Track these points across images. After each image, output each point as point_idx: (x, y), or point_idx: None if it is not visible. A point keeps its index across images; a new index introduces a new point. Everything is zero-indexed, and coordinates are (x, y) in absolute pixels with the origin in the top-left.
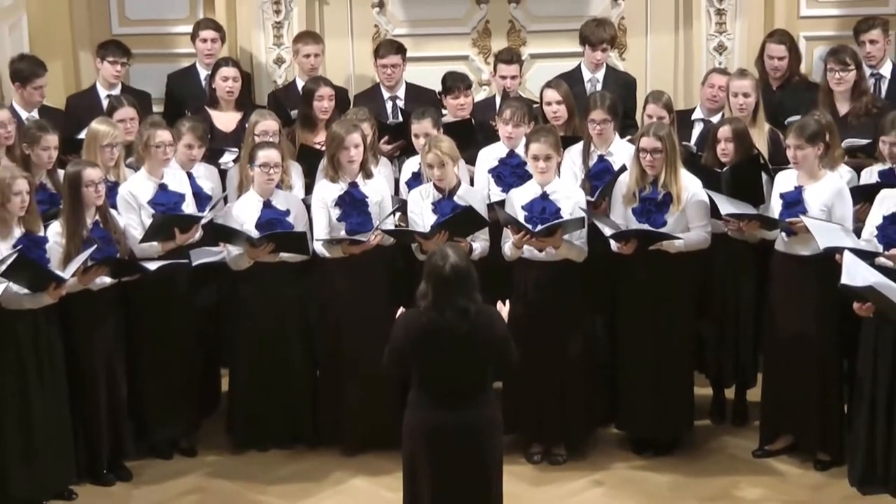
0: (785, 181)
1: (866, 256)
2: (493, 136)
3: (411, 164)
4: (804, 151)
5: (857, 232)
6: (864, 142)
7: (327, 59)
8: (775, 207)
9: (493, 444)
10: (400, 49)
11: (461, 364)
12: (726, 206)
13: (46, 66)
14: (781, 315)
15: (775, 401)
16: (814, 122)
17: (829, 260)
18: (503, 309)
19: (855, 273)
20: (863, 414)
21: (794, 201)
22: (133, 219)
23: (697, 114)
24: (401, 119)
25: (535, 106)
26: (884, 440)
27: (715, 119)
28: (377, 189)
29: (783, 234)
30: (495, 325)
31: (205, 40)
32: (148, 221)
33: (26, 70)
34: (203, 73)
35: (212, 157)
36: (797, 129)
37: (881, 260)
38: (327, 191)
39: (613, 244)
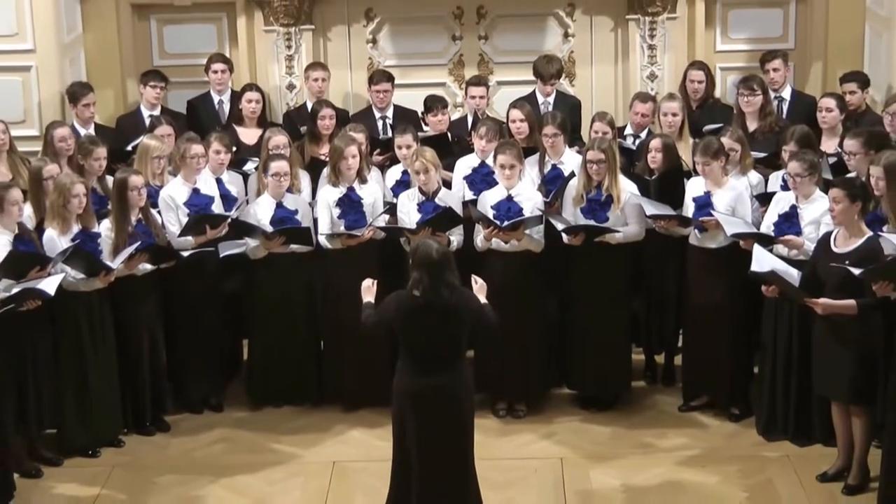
0: (695, 187)
1: (766, 241)
2: (466, 149)
3: (394, 173)
4: (710, 166)
5: (757, 226)
6: (762, 155)
7: (330, 85)
8: (689, 209)
9: (466, 402)
10: (390, 77)
11: (443, 336)
12: (650, 207)
13: (93, 87)
14: (696, 296)
15: (693, 365)
16: (716, 141)
17: (731, 252)
18: (476, 285)
19: (762, 261)
20: (766, 376)
21: (703, 204)
22: (171, 217)
23: (628, 130)
24: (390, 135)
25: (504, 126)
26: (783, 397)
27: (643, 135)
28: (371, 192)
29: (696, 230)
30: (472, 298)
31: (216, 71)
32: (184, 220)
33: (77, 92)
34: (216, 98)
35: (237, 166)
36: (703, 148)
37: (779, 248)
38: (329, 193)
39: (565, 237)
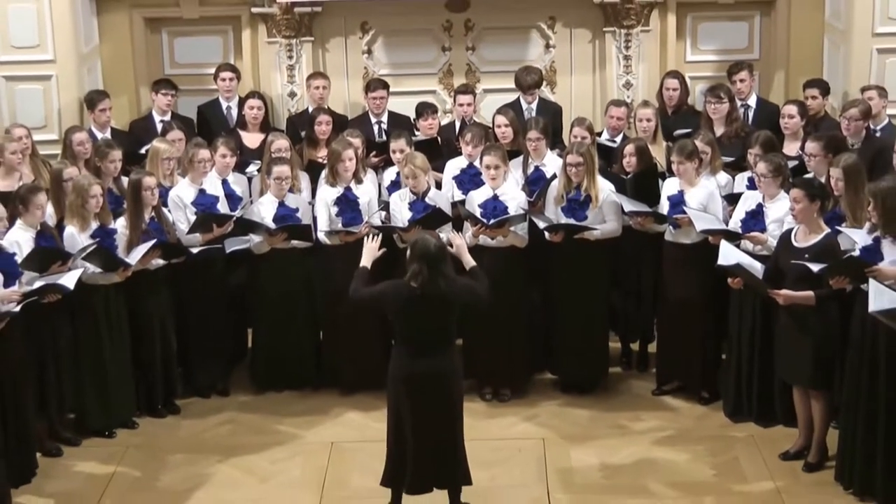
0: (670, 187)
1: (733, 237)
2: (455, 152)
3: (390, 174)
4: (685, 166)
5: (726, 223)
6: (730, 159)
7: (329, 93)
8: (664, 207)
9: (456, 386)
10: (385, 86)
11: (436, 324)
12: (628, 205)
13: (109, 94)
14: (670, 288)
15: (666, 352)
16: (690, 144)
17: (703, 247)
18: (457, 242)
19: (728, 255)
20: (732, 363)
21: (677, 202)
22: (180, 216)
23: (605, 135)
24: (385, 138)
25: (490, 131)
26: (748, 382)
27: (618, 139)
28: (366, 192)
29: (671, 227)
30: (461, 280)
31: (224, 79)
32: (191, 218)
33: (95, 98)
34: (224, 104)
35: (241, 168)
36: (678, 150)
37: (745, 244)
38: (328, 193)
39: (547, 234)
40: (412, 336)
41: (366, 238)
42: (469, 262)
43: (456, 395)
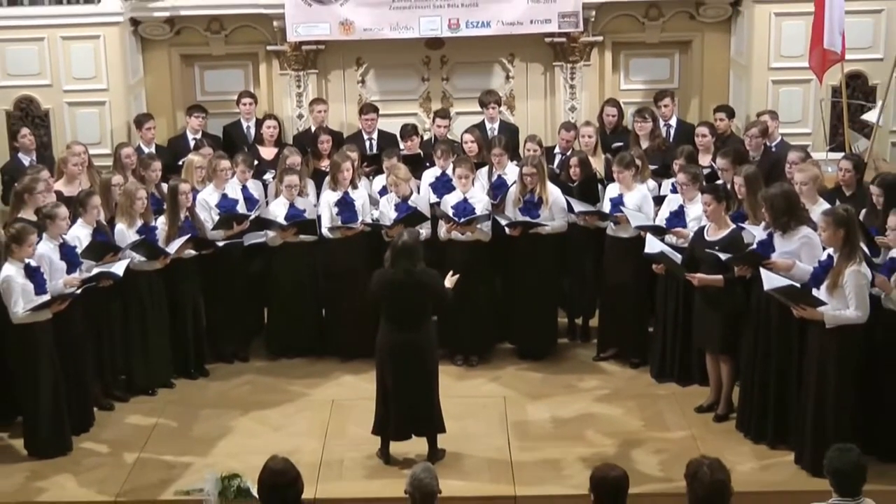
0: (611, 191)
1: (659, 232)
2: (432, 164)
3: (380, 181)
4: (623, 174)
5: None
6: (654, 167)
7: (329, 115)
8: (606, 207)
9: (432, 354)
10: (375, 109)
11: (411, 303)
12: (579, 206)
13: (154, 116)
14: (610, 274)
15: (605, 326)
16: (629, 155)
17: (639, 241)
18: (451, 278)
19: (652, 245)
20: (658, 334)
21: (617, 203)
22: (205, 216)
23: (557, 150)
24: (376, 153)
25: (456, 145)
26: (670, 350)
27: (568, 153)
28: (360, 195)
29: (612, 224)
30: (432, 279)
31: (244, 104)
32: (215, 218)
33: (142, 119)
34: (245, 124)
35: (258, 176)
36: (619, 160)
37: (670, 238)
38: (330, 196)
39: (507, 230)
40: (394, 313)
41: None
42: (448, 284)
43: (431, 361)
